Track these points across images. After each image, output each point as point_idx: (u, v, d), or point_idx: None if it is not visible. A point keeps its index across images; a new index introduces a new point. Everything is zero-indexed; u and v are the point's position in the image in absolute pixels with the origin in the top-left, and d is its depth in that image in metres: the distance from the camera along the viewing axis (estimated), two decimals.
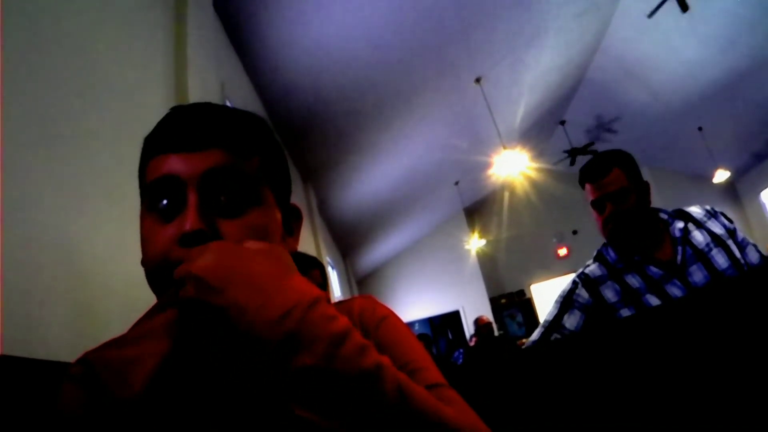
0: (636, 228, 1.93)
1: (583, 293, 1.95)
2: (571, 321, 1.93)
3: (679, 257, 1.88)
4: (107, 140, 1.76)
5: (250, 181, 0.79)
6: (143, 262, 0.77)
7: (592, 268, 2.02)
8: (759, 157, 11.53)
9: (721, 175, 11.00)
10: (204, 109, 0.81)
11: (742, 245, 1.94)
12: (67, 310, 1.33)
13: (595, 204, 1.97)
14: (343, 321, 0.63)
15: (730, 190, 12.66)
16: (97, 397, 0.71)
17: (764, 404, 0.98)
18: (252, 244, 0.69)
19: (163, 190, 0.76)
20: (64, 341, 1.24)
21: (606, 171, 1.94)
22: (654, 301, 1.83)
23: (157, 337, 0.74)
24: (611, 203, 1.93)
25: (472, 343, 7.56)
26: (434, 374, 0.77)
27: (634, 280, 1.90)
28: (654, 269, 1.88)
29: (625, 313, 1.86)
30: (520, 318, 14.07)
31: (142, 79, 2.26)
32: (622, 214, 1.92)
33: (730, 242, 1.91)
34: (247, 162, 0.79)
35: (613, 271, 1.96)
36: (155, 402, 0.70)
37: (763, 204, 12.16)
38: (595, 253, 2.08)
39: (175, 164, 0.75)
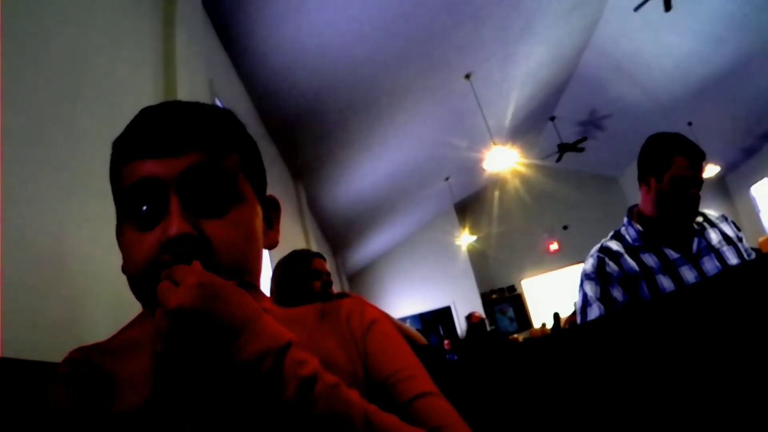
0: (693, 216, 2.04)
1: (612, 265, 1.99)
2: (617, 294, 1.95)
3: (695, 246, 1.97)
4: (98, 140, 1.73)
5: (231, 178, 0.77)
6: (126, 271, 0.75)
7: (610, 243, 2.07)
8: (749, 152, 11.59)
9: (711, 170, 11.03)
10: (175, 109, 0.79)
11: (747, 252, 2.03)
12: (59, 312, 1.32)
13: (681, 180, 1.97)
14: (312, 364, 0.62)
15: (720, 184, 12.73)
16: (87, 402, 0.71)
17: None
18: (224, 283, 0.63)
19: (141, 194, 0.73)
20: (56, 342, 1.23)
21: (703, 158, 2.01)
22: (667, 282, 1.90)
23: (146, 349, 0.71)
24: (696, 188, 1.98)
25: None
26: (424, 382, 0.76)
27: (650, 259, 1.97)
28: (671, 251, 1.96)
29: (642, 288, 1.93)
30: (511, 313, 14.13)
31: (132, 78, 2.24)
32: (697, 201, 1.99)
33: (739, 245, 2.02)
34: (225, 159, 0.77)
35: (629, 248, 2.02)
36: (147, 414, 0.69)
37: (753, 198, 12.23)
38: (611, 233, 2.13)
39: (153, 167, 0.73)
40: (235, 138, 0.82)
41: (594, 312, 1.95)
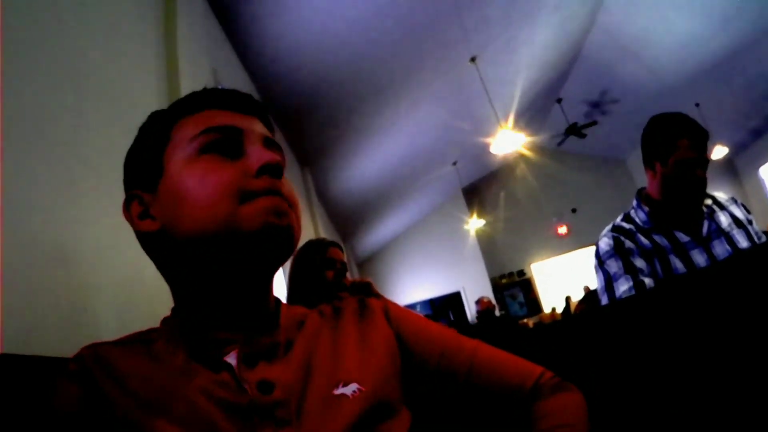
0: (701, 198, 2.03)
1: (627, 242, 1.98)
2: (640, 264, 1.94)
3: (704, 229, 1.95)
4: (99, 134, 1.73)
5: (283, 151, 0.87)
6: (198, 201, 0.74)
7: (621, 223, 2.07)
8: (757, 133, 11.51)
9: (719, 152, 10.95)
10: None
11: (758, 236, 2.01)
12: (63, 309, 1.31)
13: (686, 162, 1.94)
14: None
15: (729, 166, 12.65)
16: (95, 400, 0.71)
17: None
18: None
19: (228, 135, 0.79)
20: (60, 340, 1.23)
21: (707, 138, 1.98)
22: (678, 263, 1.90)
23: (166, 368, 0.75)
24: (702, 169, 1.95)
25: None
26: (463, 340, 0.91)
27: (661, 240, 1.96)
28: (681, 234, 1.95)
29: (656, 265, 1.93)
30: (521, 298, 14.12)
31: (134, 71, 2.22)
32: (704, 183, 1.97)
33: (750, 228, 2.00)
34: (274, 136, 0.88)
35: (641, 230, 2.01)
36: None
37: (762, 180, 12.16)
38: (621, 216, 2.12)
39: (235, 119, 0.82)
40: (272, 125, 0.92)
41: (623, 285, 1.92)
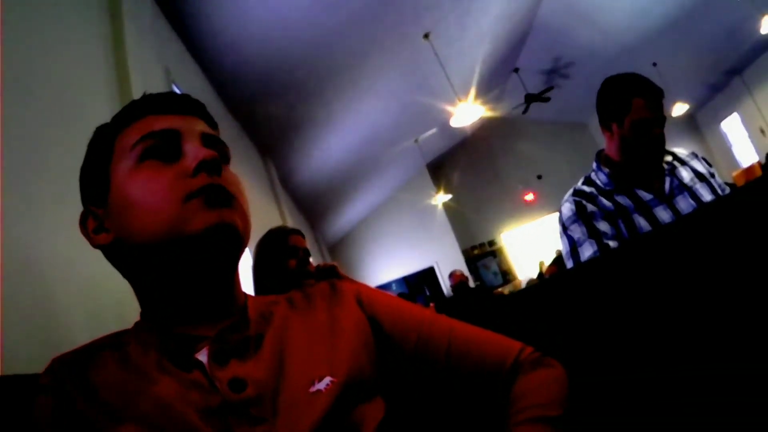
0: (661, 156, 2.03)
1: (590, 206, 1.99)
2: (603, 227, 1.95)
3: (666, 186, 1.97)
4: (52, 141, 1.70)
5: (225, 145, 0.88)
6: (145, 206, 0.76)
7: (583, 187, 2.08)
8: (716, 88, 11.69)
9: (679, 108, 11.10)
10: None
11: (721, 188, 2.03)
12: (31, 320, 1.30)
13: (642, 122, 1.95)
14: None
15: (690, 122, 12.85)
16: (69, 411, 0.71)
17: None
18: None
19: (165, 139, 0.80)
20: (29, 353, 1.22)
21: (662, 95, 1.98)
22: (642, 222, 1.91)
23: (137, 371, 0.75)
24: (659, 127, 1.96)
25: None
26: (440, 319, 0.93)
27: (624, 200, 1.96)
28: (643, 192, 1.96)
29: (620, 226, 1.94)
30: (495, 267, 14.23)
31: (82, 75, 2.19)
32: (662, 140, 1.98)
33: (712, 181, 2.01)
34: (217, 131, 0.90)
35: (603, 191, 2.02)
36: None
37: (724, 134, 12.37)
38: (582, 179, 2.13)
39: (173, 122, 0.82)
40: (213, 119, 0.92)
41: (588, 250, 1.94)
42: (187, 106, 0.86)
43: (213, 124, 0.90)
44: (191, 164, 0.76)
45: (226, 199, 0.77)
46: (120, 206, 0.79)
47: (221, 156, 0.83)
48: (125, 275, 0.84)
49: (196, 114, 0.87)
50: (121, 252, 0.81)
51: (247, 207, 0.82)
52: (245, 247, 0.82)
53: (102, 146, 0.84)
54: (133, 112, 0.84)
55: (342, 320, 0.86)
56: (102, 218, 0.82)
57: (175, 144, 0.80)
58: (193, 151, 0.78)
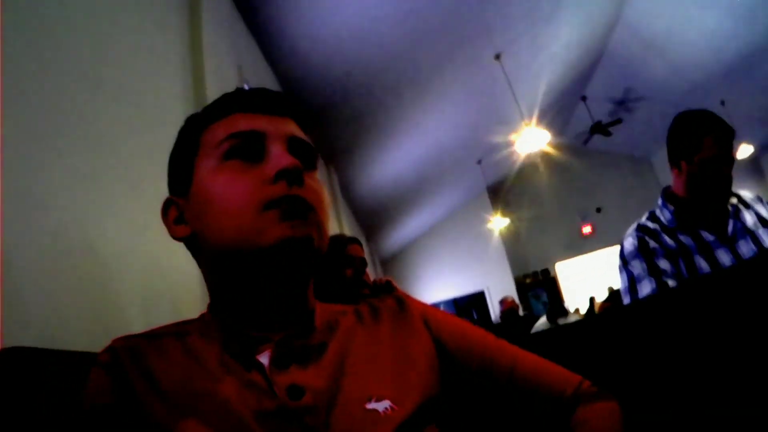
0: (727, 196, 2.00)
1: (652, 242, 1.96)
2: (664, 265, 1.92)
3: (730, 229, 1.93)
4: (125, 129, 1.74)
5: (314, 149, 0.86)
6: (222, 209, 0.76)
7: (647, 223, 2.05)
8: None
9: (744, 150, 10.79)
10: (268, 89, 0.88)
11: None
12: (88, 304, 1.33)
13: (712, 160, 1.93)
14: None
15: (754, 165, 12.43)
16: (126, 391, 0.71)
17: None
18: None
19: (250, 140, 0.80)
20: (85, 334, 1.24)
21: (733, 135, 1.96)
22: (703, 263, 1.88)
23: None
24: (727, 167, 1.94)
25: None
26: (504, 346, 0.92)
27: (687, 239, 1.94)
28: (706, 234, 1.93)
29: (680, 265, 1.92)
30: (545, 297, 14.00)
31: (157, 68, 2.24)
32: (729, 180, 1.96)
33: None
34: (308, 135, 0.88)
35: (666, 229, 1.99)
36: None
37: None
38: (646, 214, 2.10)
39: (260, 122, 0.82)
40: (311, 120, 0.92)
41: (646, 287, 1.91)
42: (277, 105, 0.85)
43: (305, 126, 0.89)
44: (272, 171, 0.75)
45: (304, 211, 0.75)
46: (200, 202, 0.79)
47: (307, 162, 0.83)
48: (201, 267, 0.85)
49: (287, 114, 0.87)
50: (198, 247, 0.82)
51: (326, 218, 0.81)
52: (319, 258, 0.81)
53: (189, 138, 0.85)
54: (223, 107, 0.85)
55: (411, 346, 0.85)
56: (183, 209, 0.83)
57: (259, 145, 0.79)
58: (276, 157, 0.77)
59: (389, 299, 0.93)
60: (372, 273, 2.39)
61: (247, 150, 0.79)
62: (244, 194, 0.74)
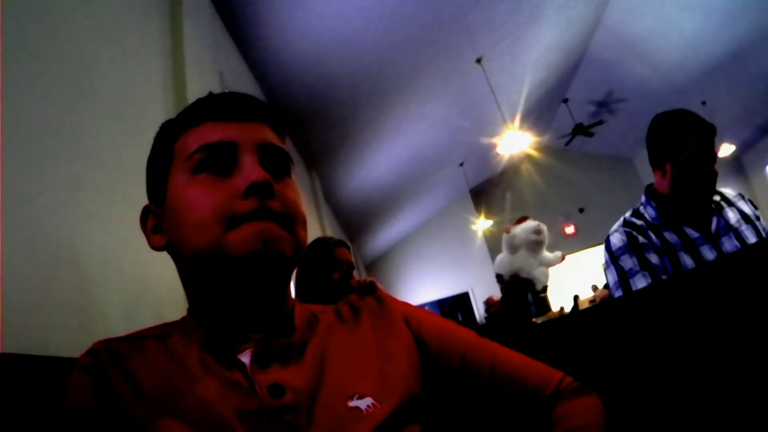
0: (711, 193, 2.02)
1: (640, 237, 1.97)
2: (654, 260, 1.93)
3: (713, 226, 1.95)
4: (107, 136, 1.74)
5: (287, 156, 0.85)
6: (189, 221, 0.76)
7: (632, 219, 2.07)
8: (764, 130, 11.38)
9: (726, 149, 10.88)
10: (240, 93, 0.87)
11: (765, 231, 2.01)
12: (74, 311, 1.33)
13: (696, 159, 1.94)
14: None
15: (736, 164, 12.53)
16: (107, 394, 0.71)
17: None
18: None
19: (220, 152, 0.78)
20: (67, 340, 1.24)
21: (714, 132, 1.97)
22: (688, 260, 1.90)
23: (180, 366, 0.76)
24: (712, 164, 1.95)
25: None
26: (484, 343, 0.92)
27: (671, 236, 1.95)
28: (691, 230, 1.95)
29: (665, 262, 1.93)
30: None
31: (139, 73, 2.24)
32: (715, 177, 1.97)
33: (758, 223, 1.99)
34: (284, 139, 0.88)
35: (651, 225, 2.00)
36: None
37: None
38: (630, 211, 2.12)
39: (231, 131, 0.80)
40: (287, 123, 0.90)
41: (641, 282, 1.91)
42: (250, 111, 0.84)
43: (279, 129, 0.88)
44: (242, 186, 0.75)
45: (275, 224, 0.75)
46: (173, 214, 0.80)
47: (280, 169, 0.83)
48: (179, 273, 0.85)
49: (261, 119, 0.85)
50: (174, 255, 0.83)
51: (301, 224, 0.81)
52: (294, 267, 0.82)
53: (163, 147, 0.85)
54: (195, 115, 0.84)
55: (392, 344, 0.85)
56: (160, 218, 0.84)
57: (230, 157, 0.79)
58: (247, 170, 0.76)
59: (370, 299, 0.94)
60: (357, 277, 2.39)
61: (218, 163, 0.78)
62: (214, 209, 0.74)
